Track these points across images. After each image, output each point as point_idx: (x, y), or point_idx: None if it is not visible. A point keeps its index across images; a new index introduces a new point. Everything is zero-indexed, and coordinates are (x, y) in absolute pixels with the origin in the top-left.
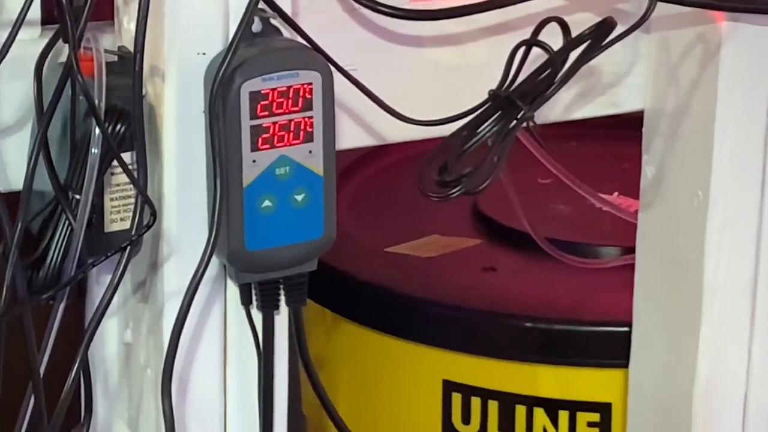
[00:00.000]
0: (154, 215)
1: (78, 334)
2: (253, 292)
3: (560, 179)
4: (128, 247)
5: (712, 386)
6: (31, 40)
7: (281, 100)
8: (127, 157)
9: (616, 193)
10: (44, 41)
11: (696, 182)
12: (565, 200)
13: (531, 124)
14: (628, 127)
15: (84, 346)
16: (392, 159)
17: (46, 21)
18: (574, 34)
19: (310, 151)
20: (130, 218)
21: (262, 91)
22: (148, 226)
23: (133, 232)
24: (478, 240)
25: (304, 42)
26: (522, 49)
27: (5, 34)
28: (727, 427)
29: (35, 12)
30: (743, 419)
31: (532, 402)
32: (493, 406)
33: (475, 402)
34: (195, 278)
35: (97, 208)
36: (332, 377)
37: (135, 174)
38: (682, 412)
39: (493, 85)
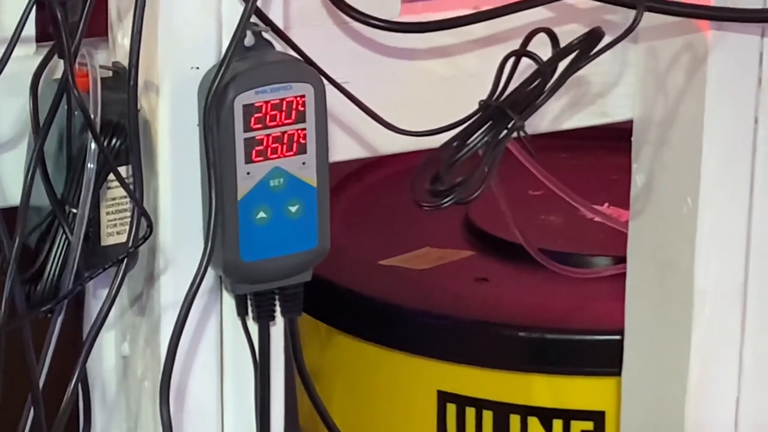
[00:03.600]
0: (151, 227)
1: (75, 347)
2: (249, 302)
3: (550, 191)
4: (125, 260)
5: (704, 392)
6: (26, 57)
7: (274, 112)
8: (122, 170)
9: (606, 204)
10: (39, 58)
11: (685, 189)
12: (555, 211)
13: (522, 134)
14: (617, 139)
15: (82, 358)
16: (384, 173)
17: (40, 38)
18: (562, 44)
19: (304, 163)
20: (126, 231)
21: (256, 104)
22: (145, 238)
23: (129, 245)
24: (470, 252)
25: (296, 55)
26: (511, 60)
27: (0, 51)
28: None
29: (30, 29)
30: (735, 425)
31: (526, 411)
32: (487, 416)
33: (470, 412)
34: (191, 290)
35: (94, 222)
36: (327, 390)
37: (131, 187)
38: (674, 419)
39: (484, 96)
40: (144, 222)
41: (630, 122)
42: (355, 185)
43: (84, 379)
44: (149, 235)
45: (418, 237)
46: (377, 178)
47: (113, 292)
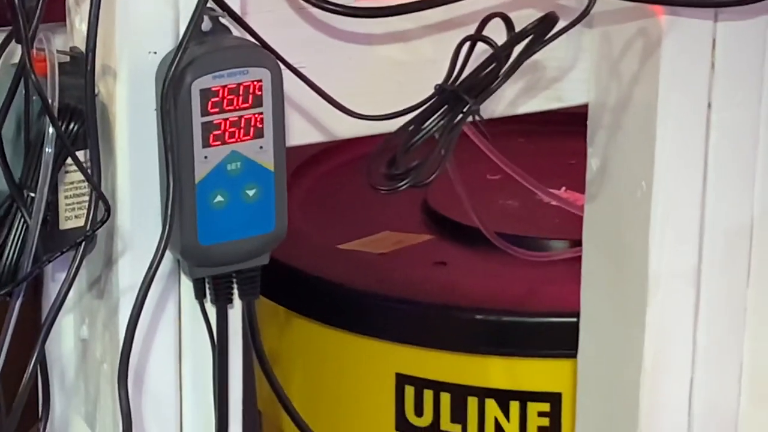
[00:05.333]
0: (109, 211)
1: (34, 330)
2: (207, 286)
3: (508, 175)
4: (83, 243)
5: (658, 374)
6: None
7: (231, 96)
8: (81, 155)
9: (563, 188)
10: None
11: (639, 173)
12: (513, 195)
13: (477, 118)
14: (574, 124)
15: (41, 340)
16: (343, 158)
17: None
18: (517, 29)
19: (261, 147)
20: (84, 215)
21: (213, 89)
22: (103, 222)
23: (87, 228)
24: (429, 235)
25: (253, 40)
26: (467, 45)
27: None
28: (673, 415)
29: None
30: (689, 406)
31: (483, 393)
32: (445, 398)
33: (428, 394)
34: (149, 273)
35: (52, 206)
36: (286, 373)
37: (89, 171)
38: (629, 400)
39: (440, 81)
40: (102, 206)
41: (587, 106)
42: (314, 170)
43: (43, 362)
44: (107, 219)
45: (377, 221)
46: (336, 164)
47: (71, 275)
